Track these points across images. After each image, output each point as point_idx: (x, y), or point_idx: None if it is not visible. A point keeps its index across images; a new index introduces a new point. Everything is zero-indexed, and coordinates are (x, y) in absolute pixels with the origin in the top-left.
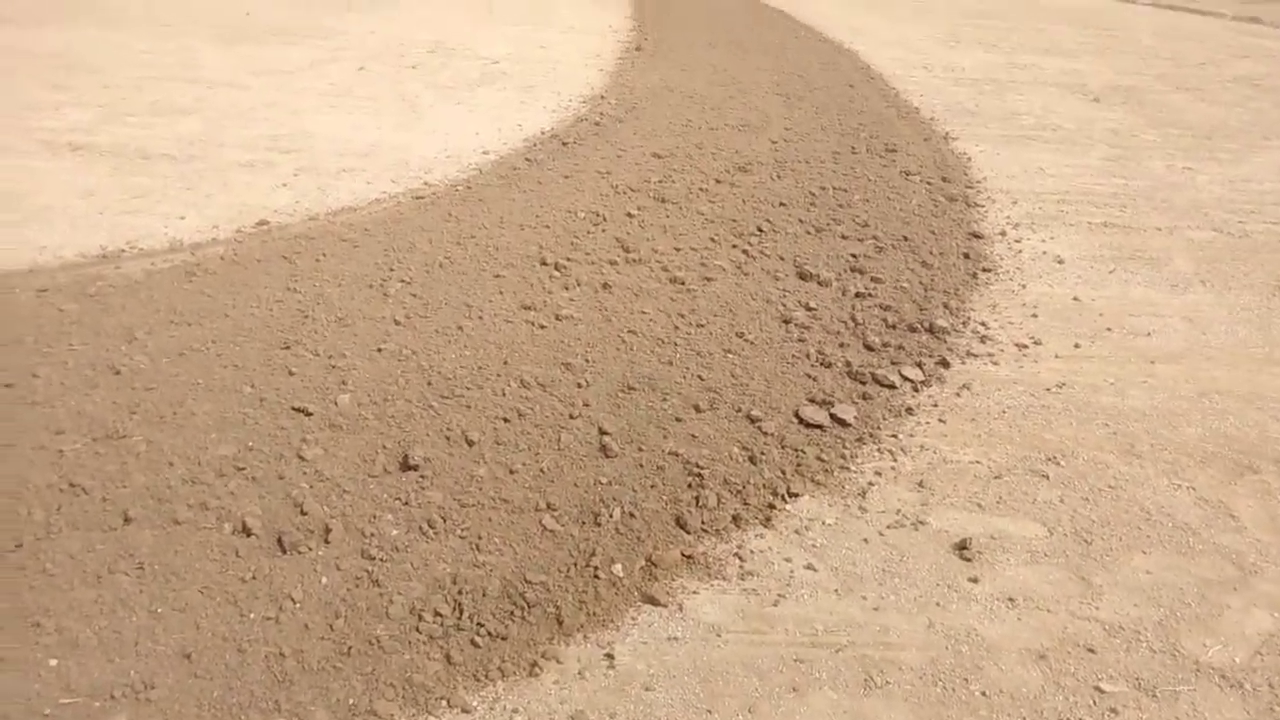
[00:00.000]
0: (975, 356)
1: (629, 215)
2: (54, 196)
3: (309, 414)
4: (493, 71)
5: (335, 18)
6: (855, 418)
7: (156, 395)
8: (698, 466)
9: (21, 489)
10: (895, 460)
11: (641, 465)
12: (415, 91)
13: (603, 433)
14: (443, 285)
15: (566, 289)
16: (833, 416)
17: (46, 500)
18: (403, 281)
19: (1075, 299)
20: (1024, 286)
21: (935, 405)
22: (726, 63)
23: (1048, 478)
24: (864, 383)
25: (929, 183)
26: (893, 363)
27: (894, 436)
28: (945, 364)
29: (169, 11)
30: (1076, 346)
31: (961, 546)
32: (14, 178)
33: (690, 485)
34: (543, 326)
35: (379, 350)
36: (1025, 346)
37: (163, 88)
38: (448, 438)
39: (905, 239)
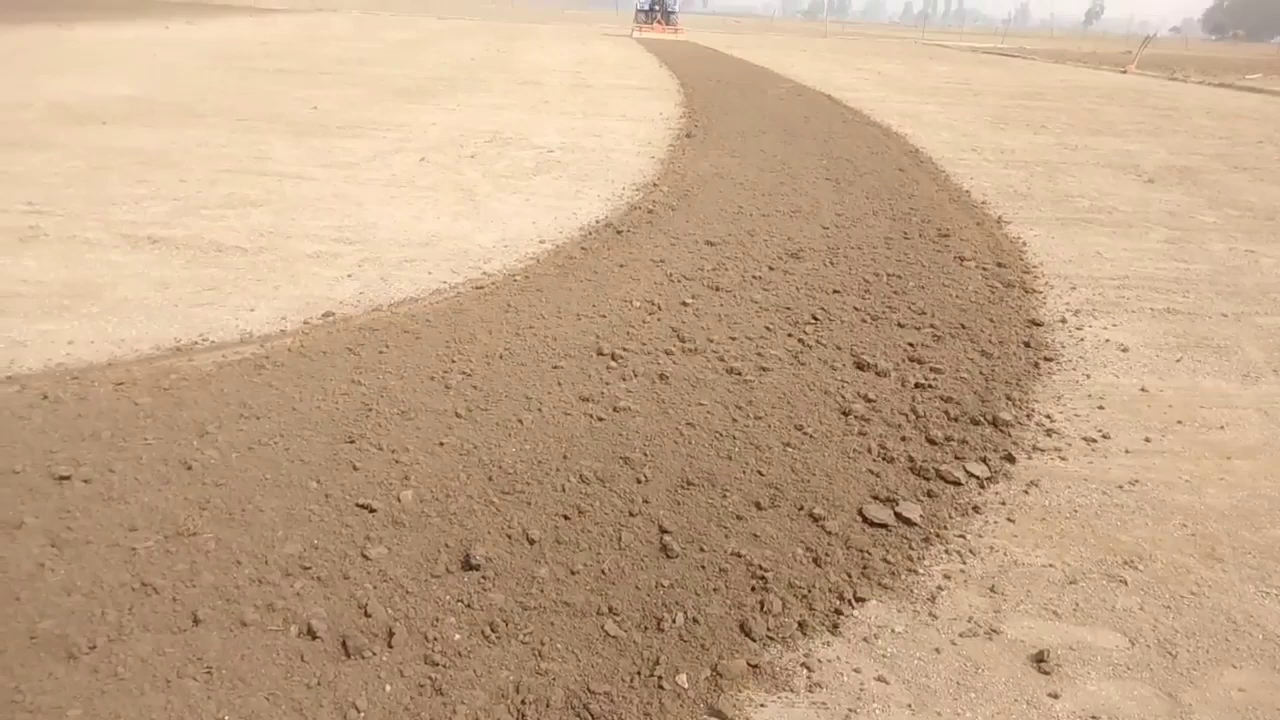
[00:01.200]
0: (1042, 451)
1: (684, 304)
2: (132, 289)
3: (373, 510)
4: (548, 161)
5: (397, 110)
6: (921, 516)
7: (226, 491)
8: (761, 568)
9: (96, 588)
10: (964, 562)
11: (703, 566)
12: (473, 181)
13: (663, 531)
14: (502, 377)
15: (624, 380)
16: (898, 515)
17: (119, 600)
18: (464, 374)
19: (1143, 390)
20: (1088, 376)
21: (1003, 503)
22: (776, 149)
23: (1126, 583)
24: (928, 479)
25: (984, 268)
26: (957, 457)
27: (962, 537)
28: (1011, 459)
29: (243, 108)
30: (1147, 441)
31: (1039, 658)
32: (96, 270)
33: (754, 588)
34: (601, 419)
35: (440, 444)
36: (1093, 440)
37: (236, 181)
38: (509, 536)
39: (963, 327)
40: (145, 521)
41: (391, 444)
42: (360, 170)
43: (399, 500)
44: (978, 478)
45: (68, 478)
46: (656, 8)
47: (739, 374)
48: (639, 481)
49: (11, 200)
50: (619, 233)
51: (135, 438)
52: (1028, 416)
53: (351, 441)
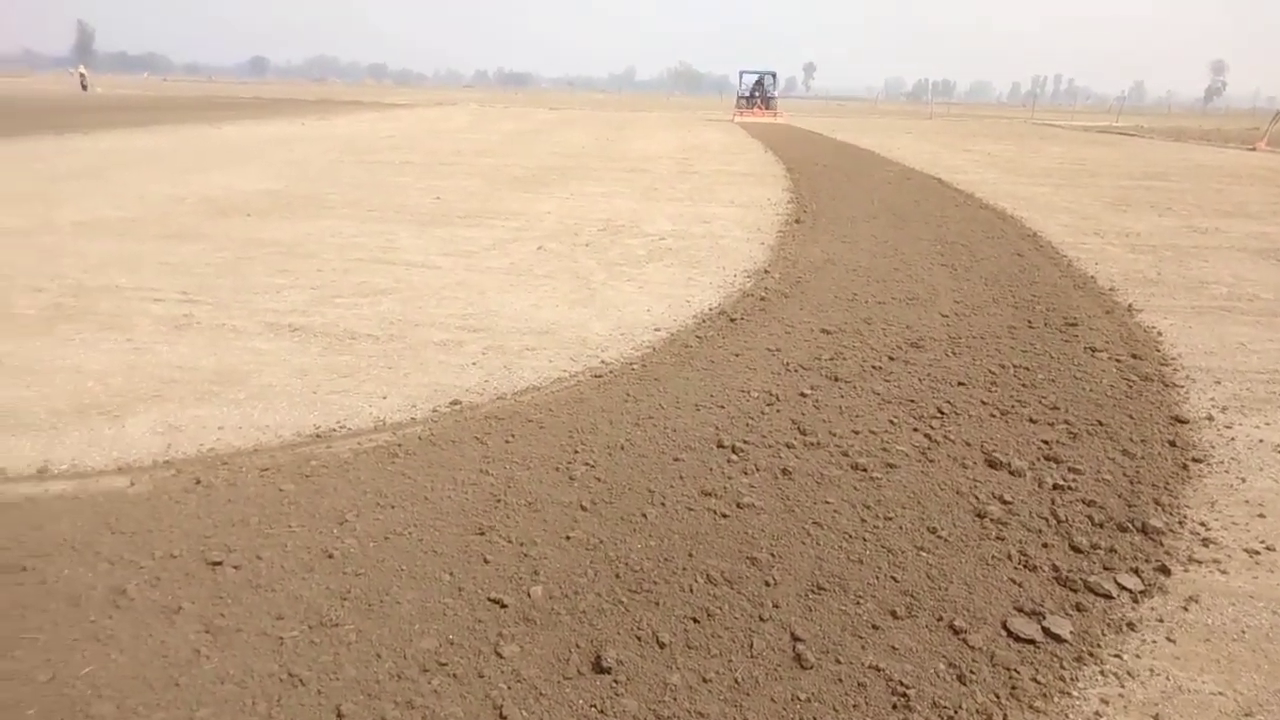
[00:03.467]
0: (1199, 563)
1: (803, 395)
2: (274, 375)
3: (504, 606)
4: (659, 248)
5: (514, 200)
6: (1071, 632)
7: (365, 581)
8: (902, 684)
9: (247, 677)
10: (1123, 686)
11: (840, 680)
12: (588, 269)
13: (796, 639)
14: (625, 469)
15: (745, 474)
16: (1045, 630)
17: (269, 690)
18: (587, 465)
19: None
20: (1243, 480)
21: (1161, 620)
22: (887, 234)
23: None
24: (1076, 590)
25: (1118, 360)
26: (1106, 568)
27: (1118, 657)
28: (1165, 571)
29: (372, 200)
30: None
31: None
32: (241, 357)
33: (896, 706)
34: (725, 515)
35: (567, 538)
36: (1256, 553)
37: (366, 270)
38: (639, 638)
39: (1100, 424)
40: (291, 610)
41: (520, 537)
42: (481, 259)
43: (529, 596)
44: (1130, 591)
45: (220, 563)
46: (757, 94)
47: (865, 470)
48: (768, 584)
49: (169, 289)
50: (733, 321)
51: (280, 524)
52: (1180, 524)
53: (481, 533)
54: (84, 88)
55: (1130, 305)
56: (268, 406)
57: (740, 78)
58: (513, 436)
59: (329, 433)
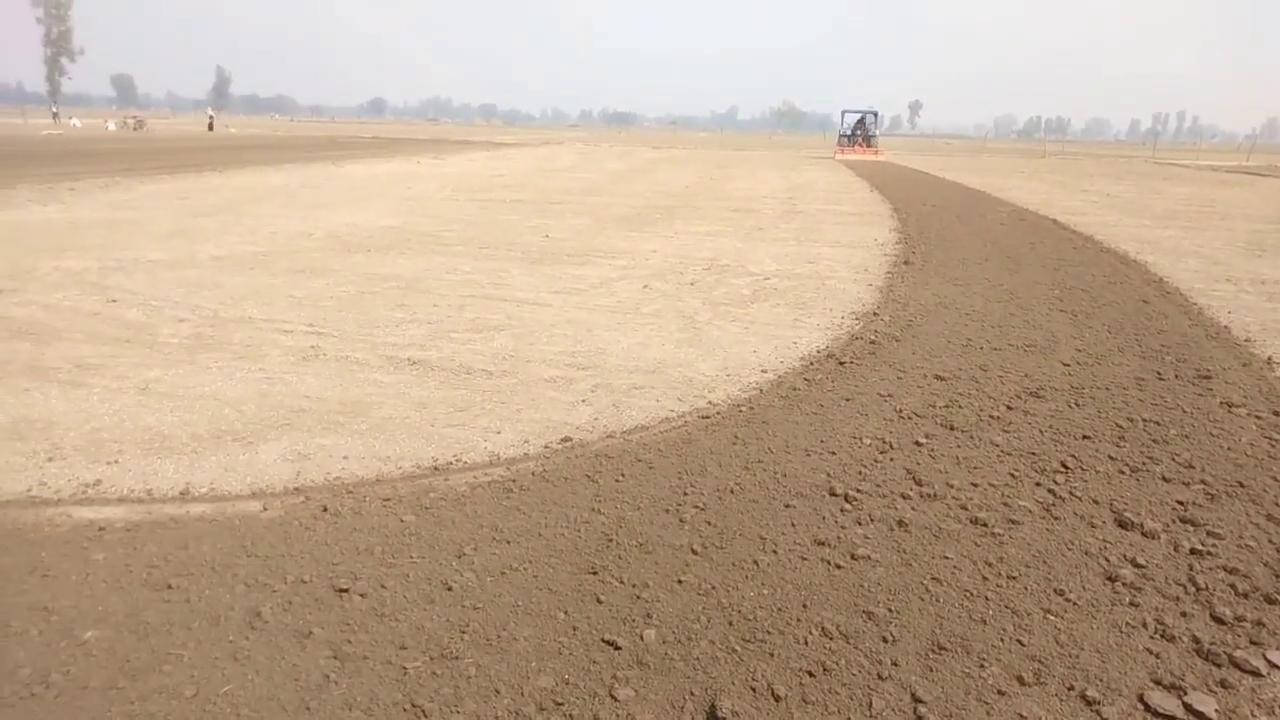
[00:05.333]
0: None
1: (917, 444)
2: (395, 408)
3: (618, 648)
4: (765, 288)
5: (620, 239)
6: (1217, 711)
7: (483, 616)
8: None
9: (374, 704)
10: None
11: None
12: (694, 308)
13: (917, 700)
14: (735, 514)
15: (860, 524)
16: (1188, 707)
17: (394, 719)
18: (697, 508)
19: None
20: None
21: None
22: (1002, 277)
23: None
24: (1219, 665)
25: (1258, 416)
26: (1253, 642)
27: None
28: None
29: (484, 237)
30: None
31: None
32: (364, 389)
33: None
34: (839, 566)
35: (679, 581)
36: None
37: (480, 306)
38: (753, 689)
39: (1240, 485)
40: (414, 641)
41: (632, 578)
42: (589, 296)
43: (642, 639)
44: None
45: (346, 590)
46: (859, 132)
47: (985, 525)
48: (885, 640)
49: (297, 322)
50: (841, 364)
51: (403, 555)
52: None
53: (594, 573)
54: (210, 128)
55: (1270, 358)
56: (389, 438)
57: (842, 116)
58: (623, 475)
59: (446, 465)
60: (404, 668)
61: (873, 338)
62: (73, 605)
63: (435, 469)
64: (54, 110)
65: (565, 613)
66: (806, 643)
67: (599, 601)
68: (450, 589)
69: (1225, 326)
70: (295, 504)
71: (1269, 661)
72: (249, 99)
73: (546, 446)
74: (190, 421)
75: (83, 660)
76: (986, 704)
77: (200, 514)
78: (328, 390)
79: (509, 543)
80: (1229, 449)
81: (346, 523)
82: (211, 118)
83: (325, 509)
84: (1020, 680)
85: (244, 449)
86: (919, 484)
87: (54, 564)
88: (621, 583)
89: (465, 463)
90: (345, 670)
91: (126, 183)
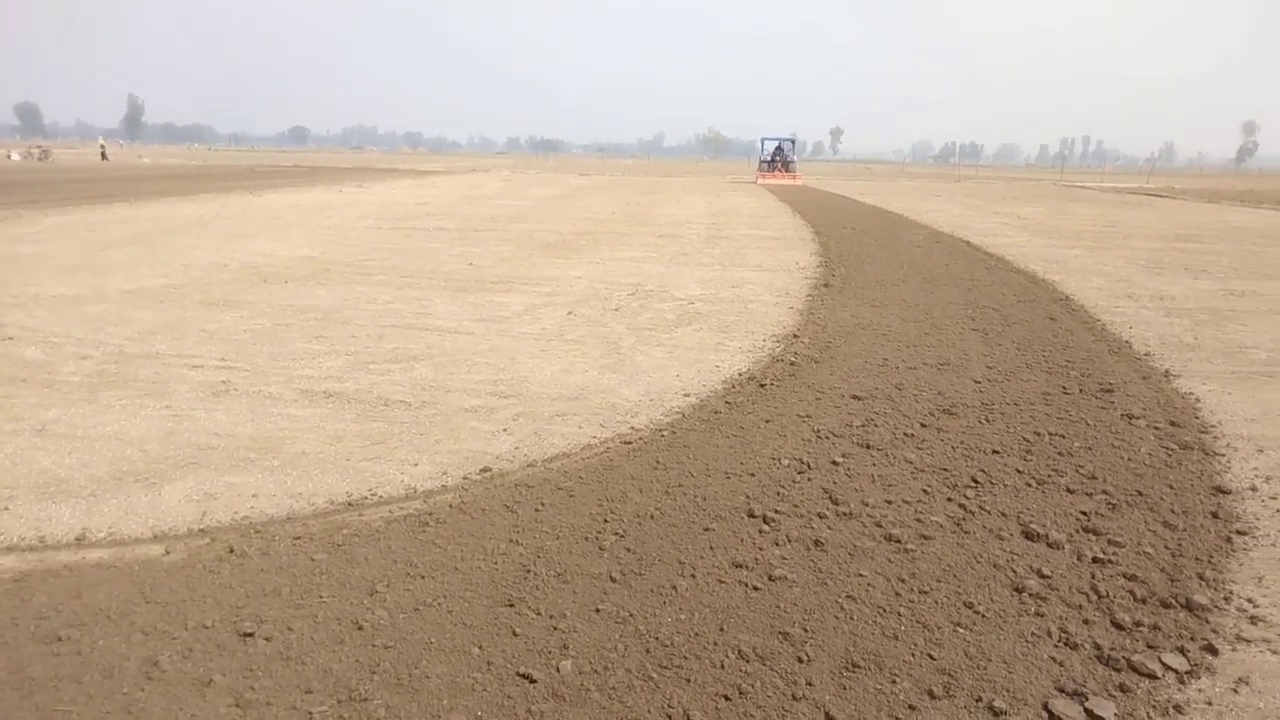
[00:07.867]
0: (1247, 642)
1: (834, 463)
2: (309, 443)
3: (533, 681)
4: (689, 312)
5: (545, 266)
6: (1115, 715)
7: (394, 654)
8: None
9: None
10: None
11: None
12: (618, 334)
13: (830, 719)
14: (655, 539)
15: (777, 545)
16: (1088, 713)
17: None
18: (616, 535)
19: None
20: None
21: (1210, 703)
22: (917, 298)
23: None
24: (1119, 670)
25: (1156, 428)
26: (1149, 646)
27: None
28: (1213, 650)
29: (406, 266)
30: None
31: None
32: (277, 424)
33: None
34: (756, 588)
35: (597, 611)
36: None
37: (400, 336)
38: (669, 716)
39: (1140, 494)
40: (320, 684)
41: (549, 609)
42: (513, 324)
43: (559, 671)
44: (1176, 671)
45: (251, 634)
46: (777, 158)
47: (899, 542)
48: (800, 660)
49: (208, 356)
50: (762, 386)
51: (312, 594)
52: (1226, 600)
53: (511, 605)
54: (104, 157)
55: (1167, 371)
56: (301, 474)
57: (762, 144)
58: (543, 505)
59: (361, 500)
60: (309, 713)
61: (793, 359)
62: None
63: (349, 504)
64: None
65: (480, 647)
66: (723, 666)
67: (515, 634)
68: (361, 628)
69: (1127, 341)
70: (200, 546)
71: (1164, 664)
72: (165, 128)
73: (465, 477)
74: (89, 463)
75: None
76: (898, 719)
77: (97, 560)
78: (238, 426)
79: (423, 578)
80: (1129, 459)
81: (254, 563)
82: (103, 146)
83: (232, 550)
84: (930, 694)
85: (146, 490)
86: (835, 503)
87: None
88: (538, 614)
89: (380, 497)
90: (247, 718)
91: (30, 215)
